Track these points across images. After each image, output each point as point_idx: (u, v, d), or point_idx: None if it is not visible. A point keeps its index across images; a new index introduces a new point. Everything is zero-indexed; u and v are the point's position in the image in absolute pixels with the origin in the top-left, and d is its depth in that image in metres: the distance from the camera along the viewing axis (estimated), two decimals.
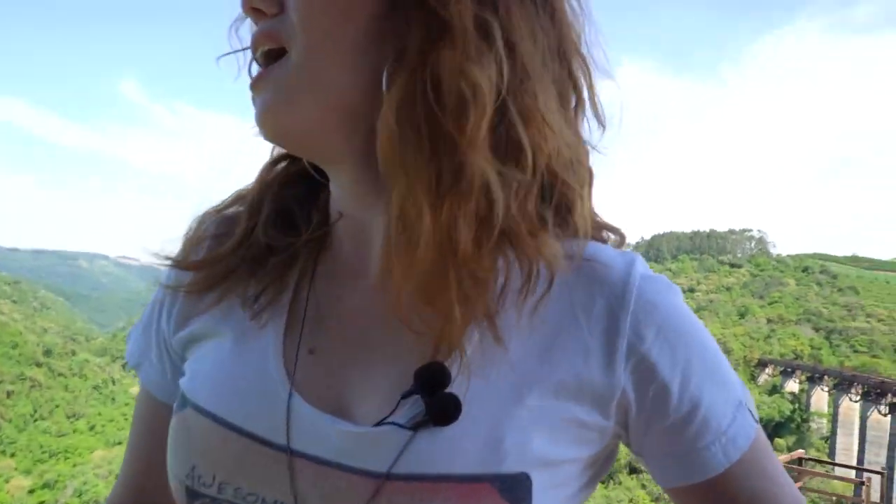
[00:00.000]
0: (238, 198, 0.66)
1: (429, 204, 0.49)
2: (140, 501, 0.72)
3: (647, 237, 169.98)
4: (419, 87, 0.48)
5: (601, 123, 0.59)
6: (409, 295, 0.51)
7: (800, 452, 10.56)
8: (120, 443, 59.30)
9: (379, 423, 0.52)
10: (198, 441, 0.58)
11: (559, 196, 0.56)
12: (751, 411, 0.59)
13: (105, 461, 52.34)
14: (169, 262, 0.65)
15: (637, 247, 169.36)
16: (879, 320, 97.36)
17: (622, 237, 0.63)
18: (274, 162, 0.65)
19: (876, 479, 12.13)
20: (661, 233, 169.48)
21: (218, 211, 0.67)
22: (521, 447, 0.51)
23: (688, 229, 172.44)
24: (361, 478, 0.51)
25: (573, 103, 0.58)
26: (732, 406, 0.57)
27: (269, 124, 0.55)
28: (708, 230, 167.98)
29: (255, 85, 0.55)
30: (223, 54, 0.59)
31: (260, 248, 0.62)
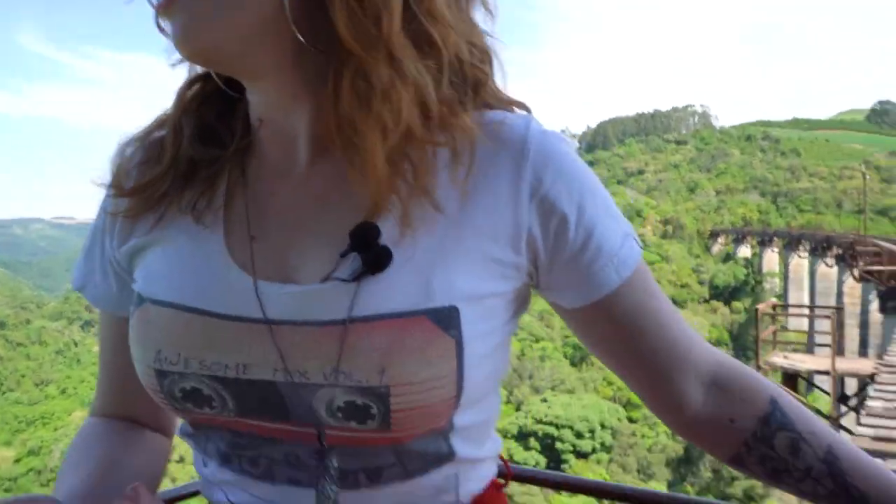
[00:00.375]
0: (160, 122, 0.69)
1: (380, 89, 0.56)
2: (119, 406, 0.77)
3: (593, 125, 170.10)
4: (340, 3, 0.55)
5: (490, 12, 0.66)
6: (354, 167, 0.58)
7: (773, 301, 12.37)
8: None
9: (324, 280, 0.59)
10: (160, 329, 0.63)
11: (468, 77, 0.63)
12: (636, 240, 0.68)
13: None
14: (105, 193, 0.70)
15: (584, 135, 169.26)
16: (821, 178, 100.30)
17: (528, 110, 0.69)
18: (189, 83, 0.68)
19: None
20: (606, 119, 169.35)
21: (141, 137, 0.70)
22: (448, 284, 0.59)
23: (632, 112, 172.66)
24: (327, 327, 0.58)
25: None
26: (621, 235, 0.66)
27: (191, 46, 0.58)
28: (652, 111, 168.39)
29: (167, 9, 0.57)
30: None
31: (188, 164, 0.66)
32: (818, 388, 12.61)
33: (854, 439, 5.81)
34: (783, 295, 55.24)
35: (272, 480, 0.65)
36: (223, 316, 0.61)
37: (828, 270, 42.77)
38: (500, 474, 0.79)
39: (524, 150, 0.62)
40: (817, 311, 14.78)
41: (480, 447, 0.70)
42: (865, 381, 9.72)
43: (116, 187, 0.68)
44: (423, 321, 0.58)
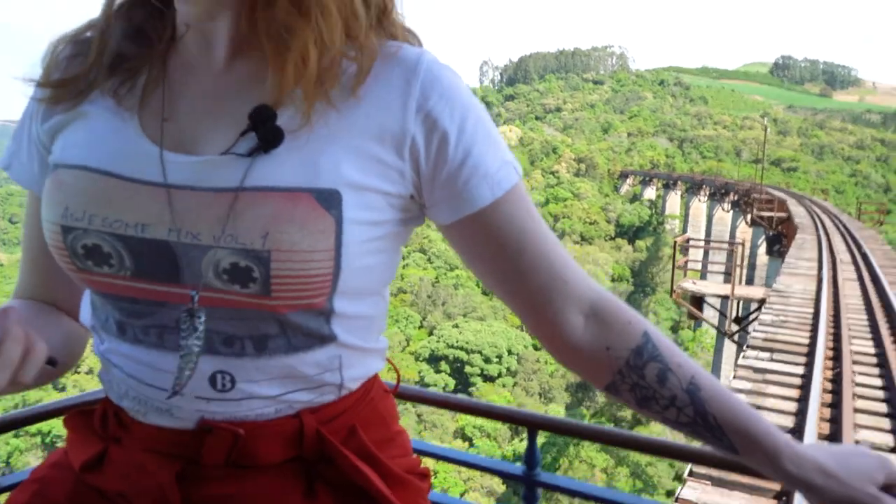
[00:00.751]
0: (90, 25, 0.75)
1: (316, 7, 0.65)
2: (39, 288, 0.83)
3: (515, 59, 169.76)
4: None
5: None
6: (274, 68, 0.66)
7: (687, 235, 14.40)
8: None
9: (223, 153, 0.66)
10: (69, 188, 0.68)
11: (376, 4, 0.72)
12: (516, 169, 0.73)
13: None
14: (32, 83, 0.74)
15: (506, 68, 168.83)
16: (724, 127, 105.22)
17: (419, 40, 0.78)
18: None
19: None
20: (528, 54, 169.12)
21: (72, 36, 0.76)
22: (333, 170, 0.65)
23: (553, 49, 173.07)
24: (220, 193, 0.64)
25: None
26: (500, 160, 0.71)
27: None
28: (573, 49, 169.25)
29: None
30: None
31: (115, 58, 0.72)
32: (717, 309, 15.08)
33: (750, 342, 7.21)
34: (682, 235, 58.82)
35: (162, 347, 0.69)
36: (128, 178, 0.67)
37: (724, 215, 45.89)
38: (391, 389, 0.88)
39: (416, 69, 0.69)
40: (724, 245, 17.27)
41: (364, 340, 0.75)
42: (758, 304, 11.87)
43: (44, 78, 0.73)
44: (307, 198, 0.64)
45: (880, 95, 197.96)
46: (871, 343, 7.18)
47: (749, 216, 32.68)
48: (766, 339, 7.15)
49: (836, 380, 5.81)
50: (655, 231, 64.27)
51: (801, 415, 5.03)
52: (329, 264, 0.65)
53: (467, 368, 39.00)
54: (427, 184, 0.71)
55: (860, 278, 11.40)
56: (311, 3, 0.64)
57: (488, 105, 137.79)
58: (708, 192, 50.73)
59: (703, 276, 18.94)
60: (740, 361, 6.56)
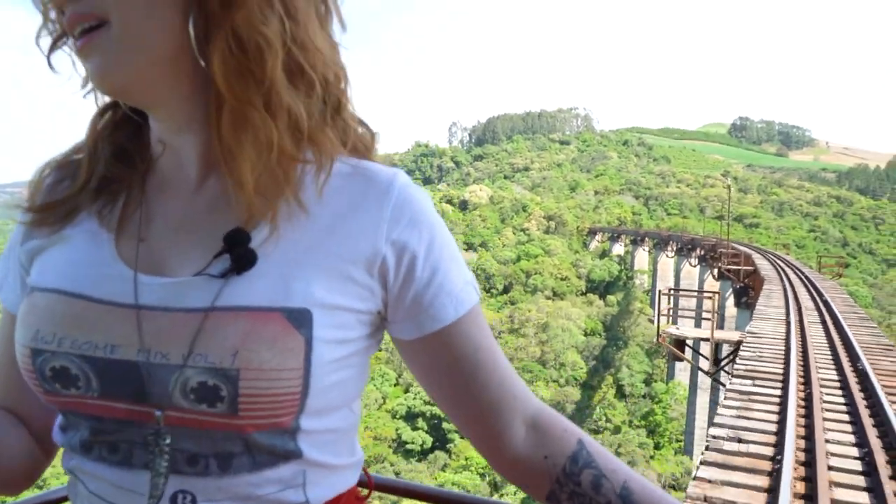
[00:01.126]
0: (76, 149, 0.78)
1: (253, 125, 0.66)
2: (3, 398, 0.81)
3: (483, 120, 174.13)
4: (227, 44, 0.64)
5: (343, 26, 0.76)
6: (233, 184, 0.67)
7: (669, 286, 15.59)
8: None
9: (196, 274, 0.67)
10: (42, 311, 0.69)
11: (331, 98, 0.72)
12: (475, 289, 0.77)
13: None
14: (20, 209, 0.77)
15: (474, 129, 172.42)
16: (687, 185, 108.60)
17: (372, 133, 0.80)
18: (101, 112, 0.77)
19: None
20: (496, 115, 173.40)
21: (59, 161, 0.79)
22: (304, 290, 0.66)
23: (520, 110, 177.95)
24: (192, 313, 0.65)
25: (324, 13, 0.73)
26: (462, 280, 0.75)
27: (105, 84, 0.66)
28: (539, 110, 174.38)
29: (83, 52, 0.65)
30: (40, 35, 0.69)
31: (100, 182, 0.75)
32: (696, 351, 16.32)
33: (735, 372, 8.31)
34: (651, 290, 60.20)
35: (129, 466, 0.68)
36: (99, 301, 0.68)
37: (691, 269, 47.36)
38: (362, 484, 0.83)
39: (389, 191, 0.71)
40: (705, 294, 18.67)
41: (335, 455, 0.74)
42: (734, 345, 13.32)
43: (30, 202, 0.76)
44: (277, 317, 0.64)
45: (833, 154, 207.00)
46: (834, 371, 8.39)
47: (716, 270, 33.92)
48: (747, 370, 8.27)
49: (808, 399, 6.93)
50: (625, 286, 65.68)
51: (780, 424, 5.94)
52: (297, 382, 0.65)
53: (445, 424, 39.05)
54: (394, 301, 0.73)
55: (823, 322, 12.68)
56: (249, 125, 0.66)
57: (457, 164, 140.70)
58: (675, 248, 52.33)
59: (673, 322, 20.05)
60: (729, 386, 7.58)
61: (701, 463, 5.01)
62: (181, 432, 0.66)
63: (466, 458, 36.35)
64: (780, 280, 20.80)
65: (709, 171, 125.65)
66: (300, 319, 0.65)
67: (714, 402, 30.93)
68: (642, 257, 66.77)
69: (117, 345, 0.66)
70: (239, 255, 0.67)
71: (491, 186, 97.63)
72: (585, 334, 52.44)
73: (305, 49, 0.68)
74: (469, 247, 73.39)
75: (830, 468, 4.91)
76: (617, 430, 40.92)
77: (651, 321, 54.74)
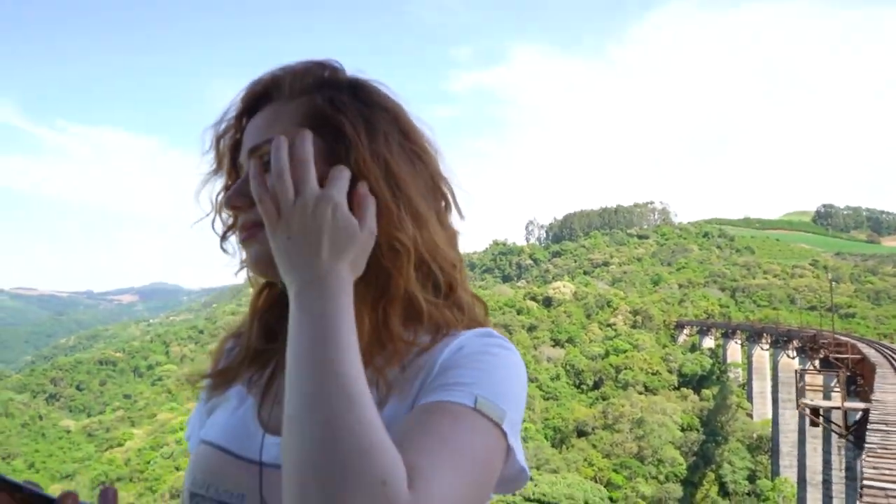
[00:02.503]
0: (244, 322, 0.95)
1: (395, 322, 0.79)
2: None
3: (560, 217, 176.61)
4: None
5: (461, 216, 0.88)
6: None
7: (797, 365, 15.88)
8: (68, 476, 57.85)
9: None
10: (200, 460, 0.86)
11: (447, 281, 0.84)
12: (488, 413, 0.72)
13: None
14: (202, 379, 0.94)
15: (551, 226, 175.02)
16: (774, 276, 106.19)
17: (484, 304, 0.90)
18: (259, 292, 0.92)
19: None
20: (573, 212, 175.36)
21: (235, 332, 0.97)
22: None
23: (596, 206, 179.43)
24: None
25: (443, 209, 0.87)
26: (483, 386, 0.74)
27: (261, 269, 0.81)
28: (615, 206, 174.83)
29: (247, 243, 0.81)
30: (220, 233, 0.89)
31: (254, 353, 0.91)
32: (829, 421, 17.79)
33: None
34: (747, 384, 58.86)
35: None
36: (236, 455, 0.82)
37: (789, 361, 46.64)
38: None
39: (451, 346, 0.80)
40: (833, 371, 20.32)
41: None
42: (862, 412, 14.45)
43: (213, 367, 0.94)
44: None
45: None
46: None
47: (818, 360, 33.71)
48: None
49: None
50: (719, 380, 64.27)
51: None
52: None
53: None
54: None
55: None
56: (392, 320, 0.79)
57: (536, 262, 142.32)
58: (770, 340, 51.65)
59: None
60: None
61: None
62: None
63: None
64: (889, 364, 21.09)
65: (795, 261, 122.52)
66: None
67: (828, 497, 29.98)
68: (735, 350, 65.53)
69: (245, 494, 0.79)
70: None
71: (573, 283, 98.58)
72: (682, 430, 51.50)
73: (430, 248, 0.81)
74: (556, 343, 73.84)
75: None
76: None
77: (750, 416, 53.54)
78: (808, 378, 38.01)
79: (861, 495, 6.56)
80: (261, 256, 0.79)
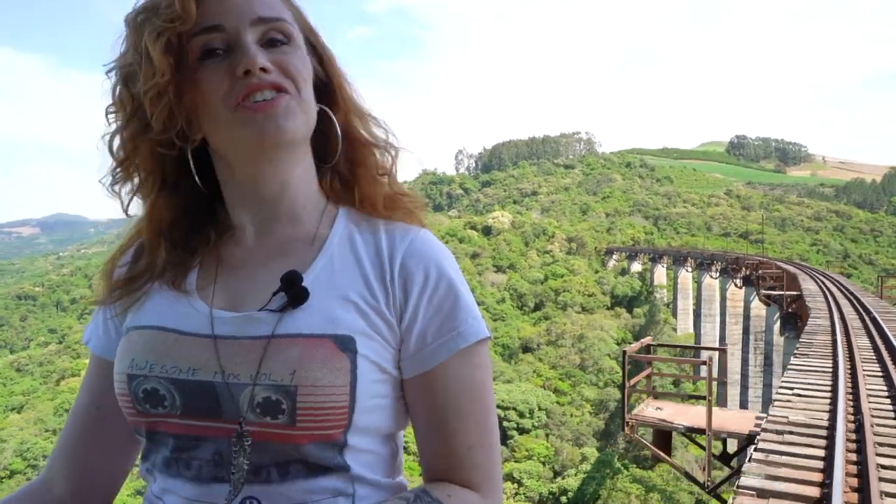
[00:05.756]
0: (139, 239, 0.96)
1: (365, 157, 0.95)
2: (70, 463, 0.96)
3: (489, 147, 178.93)
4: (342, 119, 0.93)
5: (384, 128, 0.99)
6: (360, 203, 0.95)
7: (648, 340, 11.36)
8: (16, 409, 57.68)
9: (260, 310, 0.85)
10: (136, 344, 0.86)
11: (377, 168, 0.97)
12: (482, 328, 0.88)
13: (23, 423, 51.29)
14: (112, 292, 0.94)
15: (480, 156, 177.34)
16: (693, 205, 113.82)
17: (421, 203, 0.99)
18: (151, 210, 0.92)
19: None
20: (501, 142, 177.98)
21: (122, 249, 0.97)
22: (347, 320, 0.83)
23: (524, 136, 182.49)
24: (256, 341, 0.82)
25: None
26: (470, 316, 0.88)
27: (281, 134, 0.83)
28: (542, 136, 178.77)
29: (267, 109, 0.82)
30: None
31: (165, 265, 0.93)
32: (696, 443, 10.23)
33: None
34: (672, 303, 65.53)
35: (200, 480, 0.82)
36: (184, 332, 0.85)
37: (712, 282, 52.81)
38: None
39: (405, 239, 0.91)
40: (700, 359, 14.02)
41: (380, 476, 0.88)
42: (743, 442, 8.94)
43: (115, 280, 0.94)
44: (327, 342, 0.80)
45: (830, 169, 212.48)
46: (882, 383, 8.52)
47: (739, 279, 38.54)
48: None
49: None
50: (647, 300, 70.80)
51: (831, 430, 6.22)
52: (345, 399, 0.79)
53: (504, 423, 43.67)
54: (406, 336, 0.87)
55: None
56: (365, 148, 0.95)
57: (466, 191, 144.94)
58: (695, 263, 57.58)
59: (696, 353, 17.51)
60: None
61: None
62: (248, 445, 0.79)
63: (528, 450, 41.48)
64: (806, 274, 22.02)
65: (711, 191, 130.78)
66: (346, 344, 0.81)
67: (745, 389, 35.09)
68: (660, 273, 72.08)
69: (198, 368, 0.82)
70: (294, 292, 0.83)
71: (511, 212, 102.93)
72: (618, 343, 57.50)
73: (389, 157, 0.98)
74: (498, 269, 78.65)
75: None
76: None
77: (674, 330, 60.14)
78: (728, 294, 43.18)
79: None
80: (282, 126, 0.83)
